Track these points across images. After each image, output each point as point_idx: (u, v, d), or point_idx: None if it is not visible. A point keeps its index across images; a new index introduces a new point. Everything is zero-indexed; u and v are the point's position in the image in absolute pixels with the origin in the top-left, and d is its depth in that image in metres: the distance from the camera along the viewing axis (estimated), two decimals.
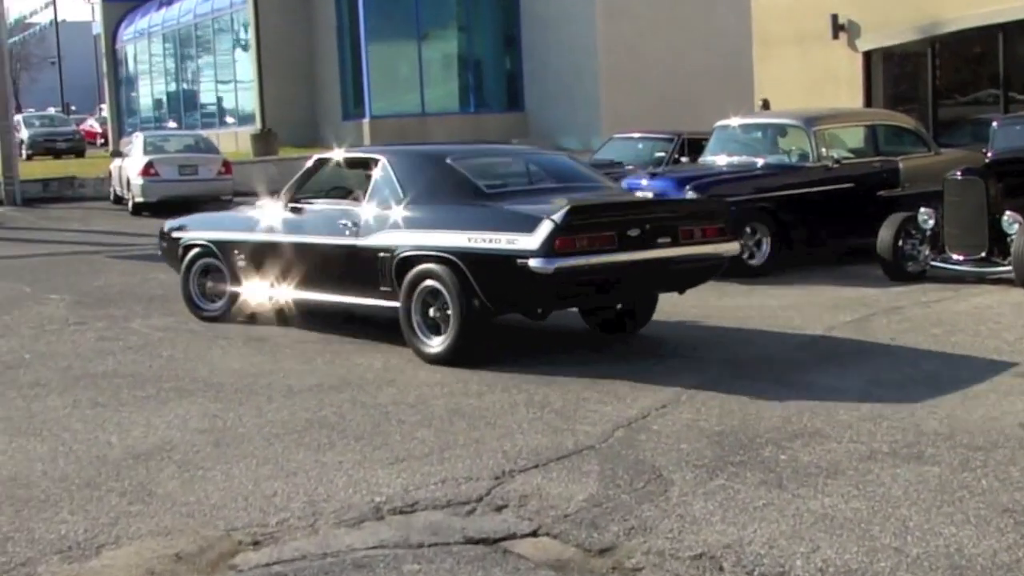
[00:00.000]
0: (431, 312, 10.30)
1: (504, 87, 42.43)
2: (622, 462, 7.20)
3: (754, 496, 6.47)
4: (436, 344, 10.25)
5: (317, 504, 6.60)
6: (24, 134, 49.90)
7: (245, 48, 44.70)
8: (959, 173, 13.96)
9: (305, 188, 12.10)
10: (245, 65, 44.60)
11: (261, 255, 12.08)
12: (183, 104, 51.10)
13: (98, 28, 55.63)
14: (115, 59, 56.24)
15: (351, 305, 11.38)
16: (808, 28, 25.08)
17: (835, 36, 24.74)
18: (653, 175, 15.96)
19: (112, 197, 30.22)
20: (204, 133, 38.19)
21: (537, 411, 8.50)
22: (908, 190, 15.72)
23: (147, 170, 26.87)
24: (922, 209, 14.19)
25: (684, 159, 19.31)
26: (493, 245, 9.77)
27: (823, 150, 15.87)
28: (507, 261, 9.61)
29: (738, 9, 30.67)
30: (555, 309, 10.81)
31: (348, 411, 8.67)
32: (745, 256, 15.07)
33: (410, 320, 10.43)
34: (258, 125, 40.48)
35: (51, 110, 66.37)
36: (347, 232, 11.02)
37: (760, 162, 16.20)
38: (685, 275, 10.62)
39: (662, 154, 20.13)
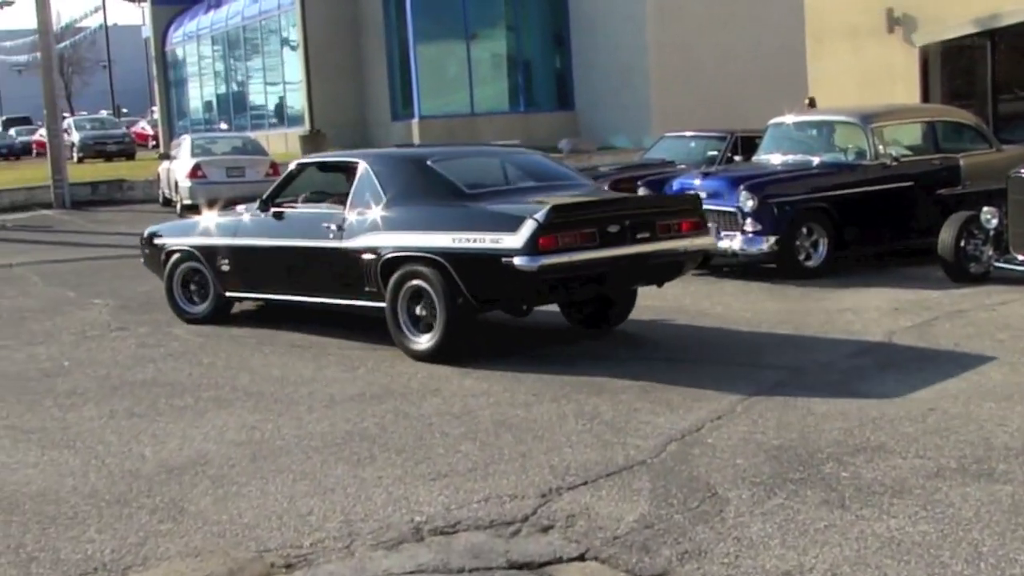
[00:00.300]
0: (417, 310, 10.50)
1: (554, 86, 42.08)
2: (675, 479, 6.85)
3: (815, 517, 6.11)
4: (424, 341, 10.46)
5: (354, 524, 6.29)
6: (75, 137, 49.98)
7: (293, 49, 44.55)
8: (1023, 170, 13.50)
9: (286, 193, 12.26)
10: (294, 66, 44.45)
11: (245, 259, 12.28)
12: (233, 106, 51.04)
13: (148, 31, 55.69)
14: (165, 62, 56.28)
15: (335, 306, 11.51)
16: (862, 23, 24.58)
17: (890, 30, 24.22)
18: (705, 175, 15.57)
19: (161, 199, 30.11)
20: (254, 135, 38.09)
21: (587, 423, 8.16)
22: (969, 188, 15.21)
23: (194, 172, 26.71)
24: (985, 208, 13.72)
25: (737, 158, 18.90)
26: (478, 245, 10.00)
27: (880, 148, 15.43)
28: (492, 260, 9.85)
29: (790, 5, 30.16)
30: (539, 304, 11.09)
31: (390, 422, 8.37)
32: (801, 257, 14.72)
33: (397, 319, 10.61)
34: (307, 126, 40.31)
35: (103, 113, 66.57)
36: (331, 235, 11.17)
37: (816, 161, 15.77)
38: (664, 268, 10.91)
39: (714, 153, 19.72)
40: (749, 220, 14.58)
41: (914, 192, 15.34)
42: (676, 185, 15.77)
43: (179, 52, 55.18)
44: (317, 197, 12.10)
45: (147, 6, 57.99)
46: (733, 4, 37.11)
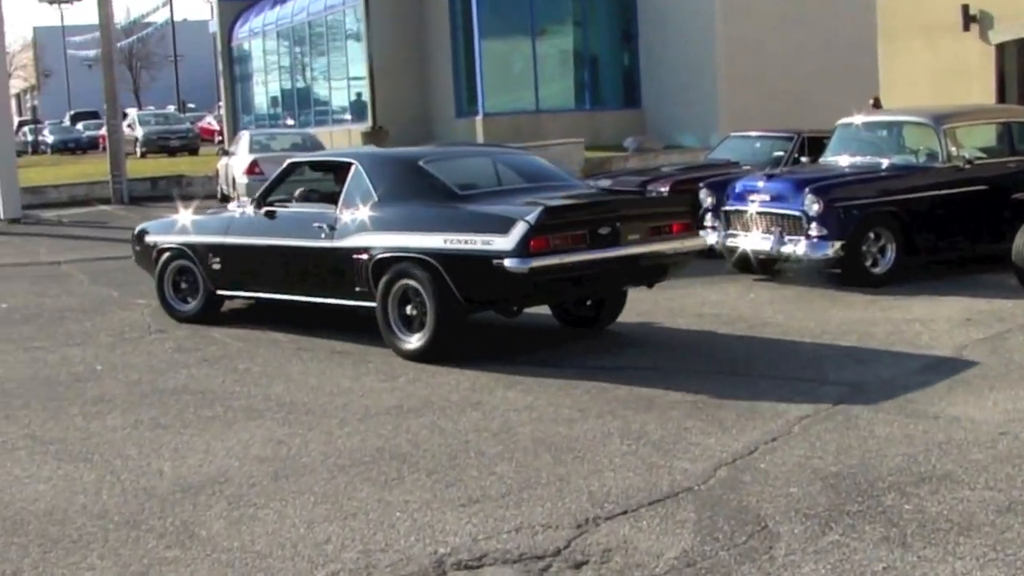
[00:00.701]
0: (408, 310, 10.51)
1: (620, 84, 41.42)
2: (723, 509, 6.34)
3: (873, 557, 5.57)
4: (414, 340, 10.46)
5: (372, 555, 5.83)
6: (139, 132, 50.00)
7: (358, 43, 44.20)
8: None
9: (278, 192, 12.22)
10: (358, 62, 44.11)
11: (236, 258, 12.23)
12: (297, 101, 50.78)
13: (214, 26, 55.53)
14: (230, 57, 56.12)
15: (325, 306, 11.51)
16: (937, 20, 23.83)
17: (966, 28, 23.45)
18: (770, 176, 14.99)
19: (219, 196, 29.82)
20: (318, 131, 37.77)
21: (632, 443, 7.66)
22: None
23: (252, 169, 26.33)
24: None
25: (804, 159, 18.26)
26: (469, 246, 10.03)
27: (953, 150, 14.77)
28: (483, 261, 9.88)
29: (863, 2, 29.43)
30: (529, 306, 11.12)
31: (424, 439, 7.90)
32: (868, 264, 14.12)
33: (387, 318, 10.62)
34: (370, 123, 39.99)
35: (169, 108, 66.67)
36: (322, 235, 11.17)
37: (885, 163, 15.14)
38: (654, 270, 10.96)
39: (780, 153, 19.08)
40: (814, 224, 13.98)
41: (988, 196, 14.66)
42: (739, 187, 15.23)
43: (245, 47, 55.02)
44: (310, 196, 12.06)
45: (214, 1, 57.92)
46: (805, 1, 36.36)
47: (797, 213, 14.21)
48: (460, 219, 10.29)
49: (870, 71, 26.99)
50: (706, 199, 15.85)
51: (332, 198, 11.55)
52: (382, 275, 10.61)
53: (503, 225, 9.86)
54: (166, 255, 12.92)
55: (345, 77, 46.04)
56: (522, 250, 9.68)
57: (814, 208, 13.97)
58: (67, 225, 25.51)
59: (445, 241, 10.17)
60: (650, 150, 34.59)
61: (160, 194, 31.17)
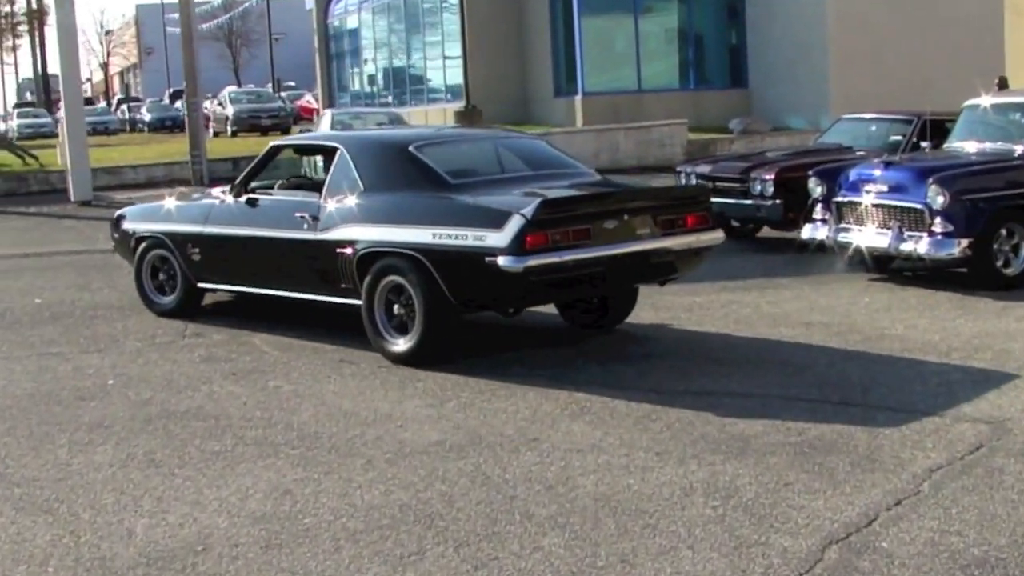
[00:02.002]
0: (396, 310, 9.62)
1: (726, 62, 39.63)
2: None
3: None
4: (402, 343, 9.58)
5: None
6: (229, 111, 48.92)
7: (454, 22, 42.79)
8: None
9: (262, 177, 11.37)
10: (455, 40, 42.70)
11: (215, 249, 11.36)
12: (392, 80, 49.52)
13: (311, 3, 54.35)
14: (327, 35, 54.95)
15: (310, 303, 10.60)
16: None
17: None
18: (887, 164, 13.28)
19: (302, 173, 28.57)
20: (414, 110, 36.48)
21: (719, 503, 6.12)
22: None
23: None
24: None
25: (924, 144, 16.48)
26: (459, 242, 9.10)
27: None
28: (474, 259, 8.96)
29: None
30: (527, 307, 10.21)
31: (462, 492, 6.42)
32: (999, 264, 12.43)
33: (373, 318, 9.73)
34: (464, 102, 38.59)
35: (269, 87, 65.71)
36: (305, 226, 10.27)
37: (1019, 150, 13.37)
38: (666, 267, 9.91)
39: (898, 138, 17.29)
40: (939, 219, 12.28)
41: None
42: (852, 176, 13.55)
43: (341, 25, 53.79)
44: (293, 183, 11.40)
45: None
46: None
47: (919, 206, 12.53)
48: (450, 211, 9.39)
49: (993, 49, 25.08)
50: (816, 188, 14.21)
51: (317, 186, 10.75)
52: (367, 271, 9.70)
53: (496, 219, 8.91)
54: (144, 244, 12.07)
55: (441, 56, 44.68)
56: (517, 247, 8.71)
57: (938, 201, 12.27)
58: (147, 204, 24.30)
59: (434, 235, 9.22)
60: (756, 132, 32.97)
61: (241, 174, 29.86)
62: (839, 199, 13.58)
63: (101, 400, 8.69)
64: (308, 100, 65.00)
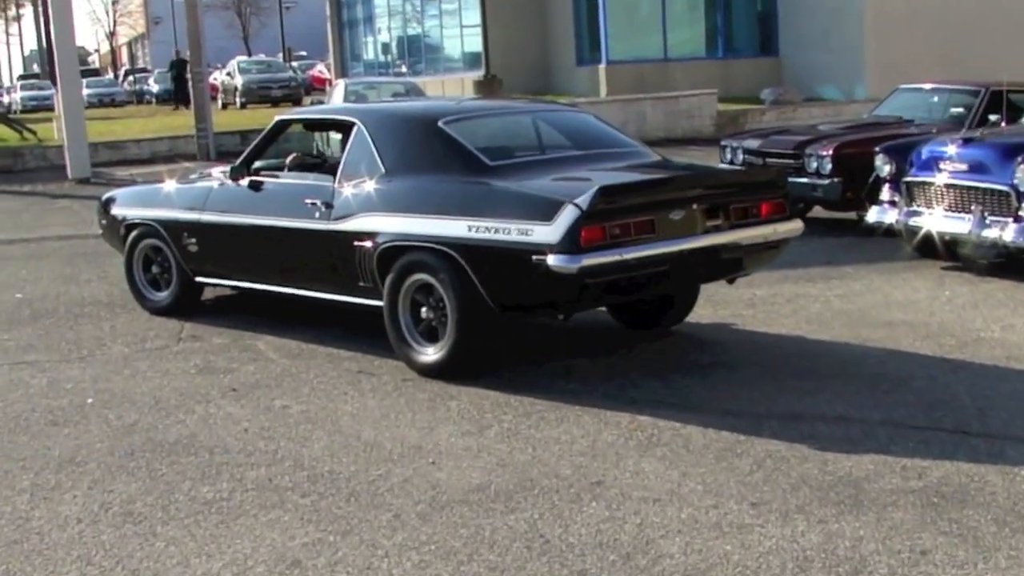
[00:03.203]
0: (423, 313, 8.24)
1: (756, 29, 38.06)
2: None
3: None
4: (431, 352, 8.20)
5: None
6: (238, 81, 47.44)
7: None
8: None
9: (267, 156, 9.98)
10: (472, 7, 41.25)
11: (213, 239, 9.96)
12: (407, 49, 48.04)
13: None
14: (339, 2, 53.55)
15: (323, 302, 9.21)
16: None
17: None
18: (967, 140, 11.86)
19: (315, 151, 27.19)
20: (430, 80, 35.07)
21: None
22: None
23: None
24: None
25: (993, 117, 15.07)
26: (500, 236, 7.67)
27: None
28: (518, 257, 7.56)
29: None
30: (578, 311, 8.41)
31: (517, 565, 5.07)
32: None
33: (397, 323, 8.37)
34: (483, 71, 37.15)
35: (279, 56, 64.25)
36: (316, 214, 8.88)
37: None
38: (736, 263, 8.51)
39: (959, 110, 15.89)
40: None
41: None
42: (925, 153, 12.16)
43: None
44: (303, 164, 9.87)
45: None
46: None
47: (1004, 188, 11.13)
48: (489, 199, 7.99)
49: None
50: (884, 167, 12.82)
51: (331, 167, 9.40)
52: (390, 268, 8.34)
53: (545, 209, 7.50)
54: (135, 232, 10.69)
55: (458, 24, 43.22)
56: (570, 244, 7.32)
57: None
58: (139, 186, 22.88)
59: (470, 228, 7.82)
60: (789, 103, 31.45)
61: None
62: (910, 179, 12.19)
63: (76, 426, 7.35)
64: (320, 70, 63.67)
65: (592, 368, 8.29)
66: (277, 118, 10.07)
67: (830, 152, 14.10)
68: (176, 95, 48.36)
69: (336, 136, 11.47)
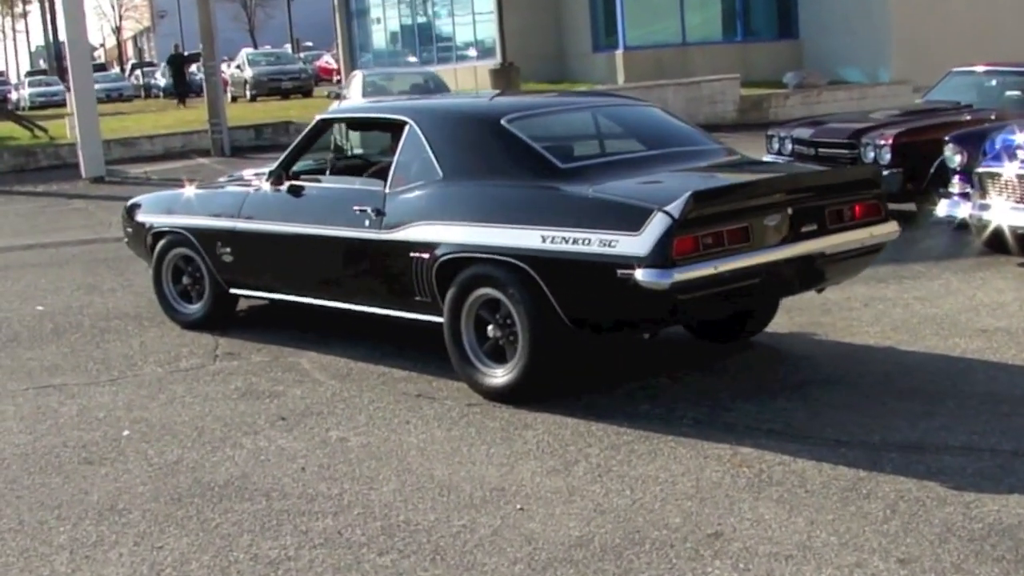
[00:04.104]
0: (489, 331, 7.46)
1: (775, 11, 37.18)
2: None
3: None
4: (500, 374, 7.43)
5: None
6: (248, 73, 46.66)
7: None
8: None
9: (307, 159, 9.37)
10: None
11: (251, 249, 9.22)
12: (418, 38, 47.21)
13: None
14: None
15: (374, 316, 8.40)
16: None
17: None
18: None
19: (333, 146, 26.37)
20: (440, 69, 34.27)
21: None
22: None
23: None
24: None
25: None
26: (580, 247, 6.89)
27: None
28: (601, 271, 6.80)
29: None
30: (664, 327, 7.87)
31: None
32: None
33: (460, 342, 7.62)
34: (498, 59, 36.33)
35: (286, 47, 63.45)
36: (366, 222, 8.12)
37: None
38: (829, 272, 7.72)
39: (1017, 93, 15.15)
40: None
41: None
42: (999, 142, 11.45)
43: None
44: (348, 167, 9.35)
45: None
46: None
47: None
48: (565, 206, 7.20)
49: None
50: (954, 157, 12.09)
51: (380, 171, 8.64)
52: (451, 282, 7.59)
53: (631, 217, 6.73)
54: (163, 241, 9.96)
55: (471, 11, 42.41)
56: (661, 256, 6.57)
57: None
58: (153, 184, 21.85)
59: (544, 238, 7.04)
60: (813, 86, 30.72)
61: (266, 143, 27.46)
62: (982, 169, 11.46)
63: (114, 464, 6.63)
64: (327, 60, 63.04)
65: (675, 389, 7.54)
66: (318, 117, 9.28)
67: (889, 141, 13.36)
68: (177, 91, 47.61)
69: (367, 135, 10.65)
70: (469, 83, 38.15)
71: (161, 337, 9.65)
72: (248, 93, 45.86)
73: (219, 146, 25.81)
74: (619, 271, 6.68)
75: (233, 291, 9.57)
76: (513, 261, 7.17)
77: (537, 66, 36.93)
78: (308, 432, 7.02)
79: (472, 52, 42.52)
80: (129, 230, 10.59)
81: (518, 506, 5.71)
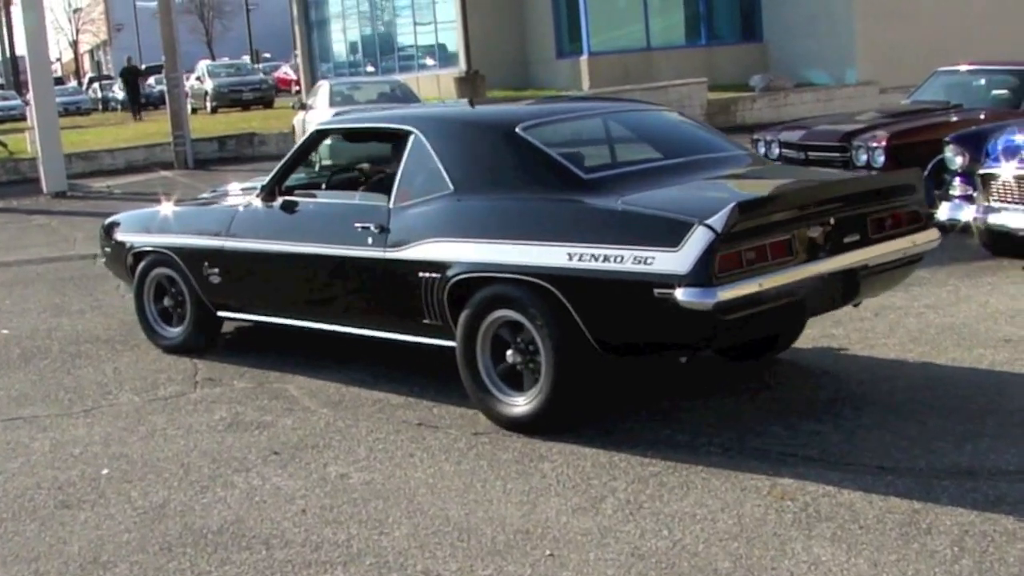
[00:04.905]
0: (508, 356, 6.90)
1: (738, 15, 36.83)
2: None
3: None
4: (521, 402, 6.87)
5: None
6: (208, 85, 46.09)
7: None
8: None
9: (302, 173, 8.89)
10: (446, 3, 39.96)
11: (241, 270, 8.64)
12: (379, 47, 46.64)
13: None
14: (305, 1, 52.16)
15: (378, 340, 7.83)
16: None
17: None
18: None
19: (346, 165, 25.76)
20: (402, 78, 33.73)
21: None
22: None
23: None
24: None
25: None
26: (612, 265, 6.33)
27: None
28: (637, 291, 6.23)
29: None
30: (704, 349, 6.95)
31: None
32: None
33: (475, 367, 7.05)
34: (462, 67, 35.84)
35: (244, 59, 62.76)
36: (369, 240, 7.54)
37: None
38: (871, 285, 7.14)
39: (1004, 92, 14.81)
40: None
41: None
42: (1002, 142, 11.05)
43: None
44: (346, 181, 8.73)
45: None
46: None
47: None
48: (593, 220, 6.63)
49: None
50: (955, 159, 11.68)
51: (382, 184, 8.04)
52: (464, 303, 7.03)
53: (669, 232, 6.16)
54: (145, 261, 9.40)
55: (432, 20, 41.92)
56: (703, 274, 6.00)
57: None
58: (117, 198, 21.11)
59: (571, 256, 6.47)
60: (780, 89, 30.54)
61: (229, 155, 26.88)
62: (984, 171, 11.09)
63: (94, 508, 6.06)
64: (285, 71, 62.46)
65: (698, 412, 7.04)
66: (314, 128, 8.71)
67: (883, 143, 12.98)
68: (131, 104, 46.92)
69: (364, 146, 10.03)
70: (432, 92, 37.65)
71: (136, 362, 9.08)
72: (208, 105, 45.28)
73: (183, 159, 25.19)
74: (656, 290, 6.14)
75: (221, 314, 9.00)
76: (536, 281, 6.62)
77: (500, 73, 36.45)
78: (304, 468, 6.49)
79: (433, 61, 42.01)
80: (107, 249, 9.99)
81: (547, 551, 5.19)
